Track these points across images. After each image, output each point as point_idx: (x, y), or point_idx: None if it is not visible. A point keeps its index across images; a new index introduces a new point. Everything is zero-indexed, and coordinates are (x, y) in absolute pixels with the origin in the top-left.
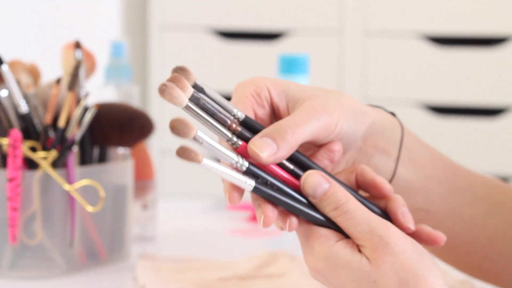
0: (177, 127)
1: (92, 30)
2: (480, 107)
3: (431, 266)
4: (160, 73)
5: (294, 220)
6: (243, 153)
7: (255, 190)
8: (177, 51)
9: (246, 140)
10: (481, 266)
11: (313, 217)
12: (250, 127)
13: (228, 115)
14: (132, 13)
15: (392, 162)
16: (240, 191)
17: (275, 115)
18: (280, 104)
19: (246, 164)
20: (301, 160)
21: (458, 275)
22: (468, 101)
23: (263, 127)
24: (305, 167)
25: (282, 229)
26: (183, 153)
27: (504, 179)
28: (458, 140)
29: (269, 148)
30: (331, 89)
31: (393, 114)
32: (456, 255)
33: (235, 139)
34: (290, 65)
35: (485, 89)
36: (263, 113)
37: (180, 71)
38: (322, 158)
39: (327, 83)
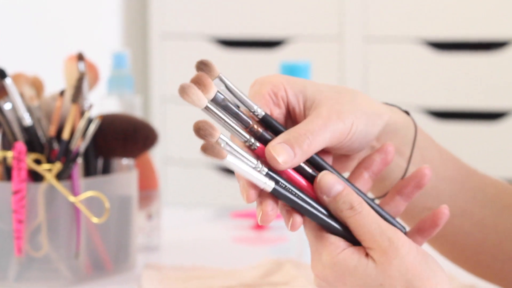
0: (203, 128)
1: (93, 40)
2: (481, 111)
3: (436, 269)
4: (161, 82)
5: (297, 219)
6: (260, 155)
7: (274, 192)
8: (178, 60)
9: (265, 142)
10: (490, 266)
11: (327, 223)
12: (268, 126)
13: (246, 118)
14: (132, 23)
15: (404, 162)
16: (256, 189)
17: (290, 114)
18: (296, 105)
19: (266, 169)
20: (316, 162)
21: (464, 280)
22: (468, 106)
23: (281, 126)
24: (319, 168)
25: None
26: (207, 148)
27: None
28: (459, 144)
29: (286, 155)
30: (347, 90)
31: (407, 113)
32: (465, 255)
33: (252, 140)
34: (291, 72)
35: (485, 93)
36: (278, 112)
37: (203, 66)
38: (375, 162)
39: None
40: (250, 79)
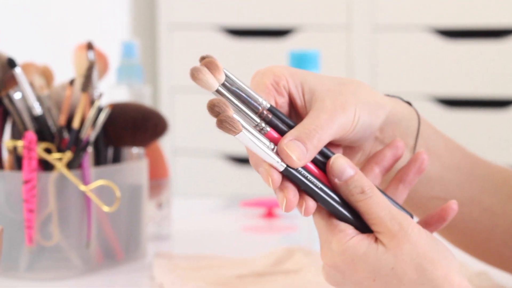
0: (218, 104)
1: (101, 30)
2: (489, 98)
3: (446, 253)
4: (170, 73)
5: (310, 203)
6: (271, 139)
7: (285, 171)
8: (186, 50)
9: (275, 127)
10: (500, 253)
11: (337, 209)
12: (275, 117)
13: (255, 103)
14: (140, 13)
15: (408, 152)
16: (278, 172)
17: (292, 105)
18: (297, 96)
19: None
20: (325, 153)
21: (474, 267)
22: (477, 93)
23: (288, 118)
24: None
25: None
26: (224, 121)
27: None
28: (468, 132)
29: (299, 152)
30: (349, 81)
31: (409, 103)
32: (475, 242)
33: (263, 124)
34: (301, 62)
35: (494, 80)
36: (283, 101)
37: (207, 61)
38: (386, 157)
39: None
40: (259, 68)
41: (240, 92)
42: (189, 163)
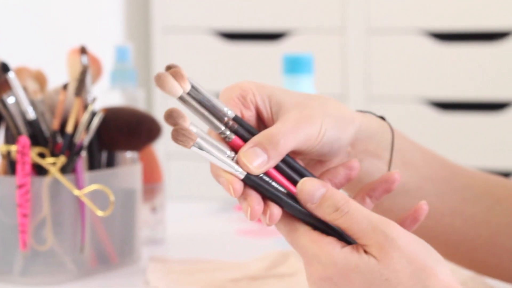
0: (176, 111)
1: (95, 34)
2: (483, 101)
3: (437, 256)
4: None
5: (275, 210)
6: (235, 147)
7: (246, 179)
8: (180, 53)
9: (240, 136)
10: (486, 261)
11: (305, 213)
12: (241, 126)
13: (221, 112)
14: (134, 16)
15: (384, 165)
16: (240, 179)
17: (259, 118)
18: (264, 109)
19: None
20: (292, 166)
21: (468, 271)
22: (471, 96)
23: (252, 128)
24: (297, 173)
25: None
26: (179, 131)
27: (508, 174)
28: (462, 135)
29: (259, 159)
30: (316, 96)
31: (382, 118)
32: (460, 252)
33: (227, 132)
34: (294, 65)
35: (488, 83)
36: (250, 115)
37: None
38: (339, 175)
39: (331, 82)
40: (253, 72)
41: (205, 101)
42: (183, 167)
